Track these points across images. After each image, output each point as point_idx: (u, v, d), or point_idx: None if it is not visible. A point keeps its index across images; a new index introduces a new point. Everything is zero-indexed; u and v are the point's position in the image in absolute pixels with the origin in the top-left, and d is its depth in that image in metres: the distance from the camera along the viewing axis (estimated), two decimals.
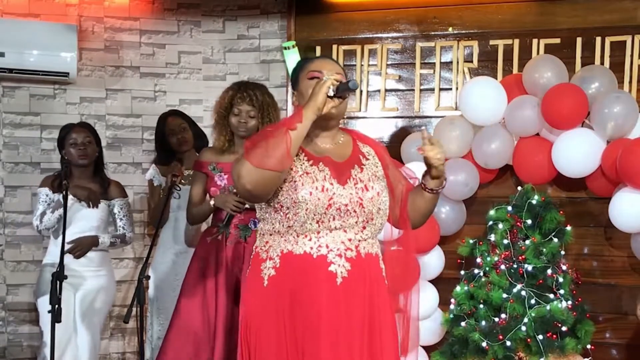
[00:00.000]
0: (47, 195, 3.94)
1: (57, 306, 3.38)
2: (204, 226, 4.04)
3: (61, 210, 3.75)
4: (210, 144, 4.31)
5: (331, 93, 2.24)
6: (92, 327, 3.94)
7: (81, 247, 3.86)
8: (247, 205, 3.42)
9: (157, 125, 4.37)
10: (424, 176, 2.43)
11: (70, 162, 3.91)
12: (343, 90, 2.25)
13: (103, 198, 3.99)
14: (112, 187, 4.07)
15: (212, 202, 3.54)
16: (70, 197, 3.78)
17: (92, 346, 3.94)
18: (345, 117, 2.49)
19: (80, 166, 3.93)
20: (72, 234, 3.81)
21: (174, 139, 4.27)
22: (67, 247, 3.69)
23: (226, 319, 3.49)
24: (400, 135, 4.51)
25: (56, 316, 3.38)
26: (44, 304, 3.81)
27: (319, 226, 2.27)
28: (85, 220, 3.89)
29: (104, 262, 4.01)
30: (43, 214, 3.87)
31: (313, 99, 2.23)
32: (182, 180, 4.08)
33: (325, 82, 2.24)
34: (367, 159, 2.42)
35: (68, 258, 3.71)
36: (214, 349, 3.47)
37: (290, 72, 4.60)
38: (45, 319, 3.75)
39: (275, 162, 2.16)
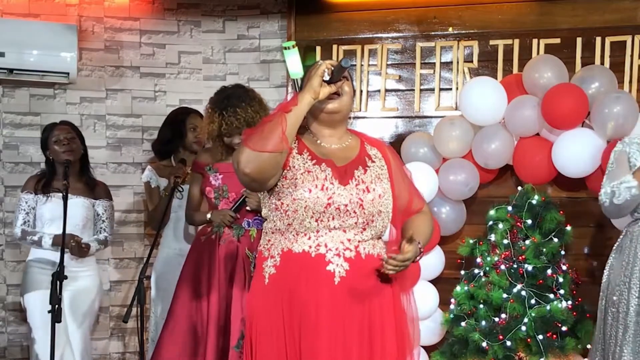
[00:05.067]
0: (26, 203, 3.91)
1: (57, 306, 3.38)
2: None
3: (35, 237, 3.84)
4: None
5: (327, 78, 2.26)
6: (83, 327, 3.93)
7: (81, 252, 3.85)
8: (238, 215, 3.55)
9: (175, 117, 4.31)
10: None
11: (56, 160, 3.91)
12: (338, 72, 2.26)
13: (89, 197, 3.99)
14: (98, 188, 4.06)
15: (208, 216, 3.64)
16: (55, 194, 3.83)
17: (84, 346, 3.92)
18: (351, 116, 2.49)
19: (65, 163, 3.86)
20: (56, 230, 3.80)
21: (192, 136, 4.22)
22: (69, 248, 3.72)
23: (218, 319, 3.52)
24: (400, 135, 4.52)
25: (56, 316, 3.39)
26: (31, 301, 3.82)
27: (318, 225, 2.27)
28: (69, 218, 3.83)
29: (91, 262, 4.00)
30: (24, 232, 3.88)
31: (309, 82, 2.25)
32: (186, 180, 4.09)
33: (320, 65, 2.26)
34: (373, 162, 2.42)
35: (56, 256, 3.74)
36: (206, 349, 3.50)
37: (290, 72, 4.60)
38: (35, 316, 3.78)
39: (271, 144, 2.18)
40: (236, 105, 3.52)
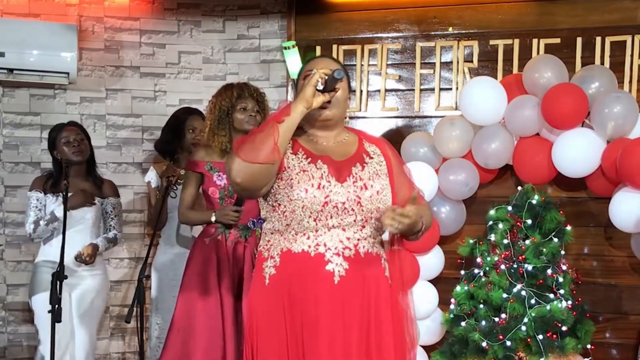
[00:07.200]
0: (37, 200, 3.91)
1: (57, 306, 3.38)
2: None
3: (56, 224, 3.81)
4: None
5: (320, 87, 2.26)
6: (89, 327, 3.93)
7: (89, 256, 3.84)
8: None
9: (176, 118, 4.30)
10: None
11: (64, 161, 3.91)
12: (331, 82, 2.26)
13: (97, 196, 3.99)
14: (105, 186, 4.08)
15: (212, 219, 3.59)
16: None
17: (90, 346, 3.93)
18: (347, 117, 2.48)
19: (75, 164, 3.89)
20: (68, 233, 3.79)
21: (190, 137, 4.21)
22: (74, 257, 3.75)
23: (234, 319, 3.50)
24: (400, 135, 4.51)
25: (56, 316, 3.38)
26: (39, 303, 3.81)
27: (317, 224, 2.27)
28: (79, 219, 3.87)
29: (99, 262, 4.00)
30: (37, 223, 3.86)
31: (301, 92, 2.25)
32: (179, 180, 4.07)
33: (313, 75, 2.26)
34: (371, 158, 2.41)
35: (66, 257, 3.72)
36: (225, 349, 3.48)
37: (290, 72, 4.60)
38: (42, 317, 3.76)
39: (263, 155, 2.18)
40: (253, 86, 3.71)
